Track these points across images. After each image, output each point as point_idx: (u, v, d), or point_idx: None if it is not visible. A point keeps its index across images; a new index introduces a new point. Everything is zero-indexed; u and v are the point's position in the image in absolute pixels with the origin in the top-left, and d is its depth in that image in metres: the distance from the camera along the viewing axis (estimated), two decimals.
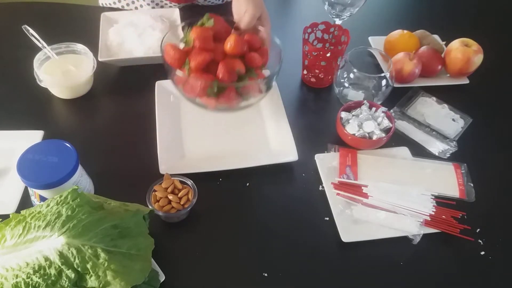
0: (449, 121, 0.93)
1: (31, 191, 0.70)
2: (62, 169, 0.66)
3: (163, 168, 0.78)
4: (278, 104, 0.91)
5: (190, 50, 0.77)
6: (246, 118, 0.91)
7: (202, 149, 0.85)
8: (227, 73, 0.75)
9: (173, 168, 0.78)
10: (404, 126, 0.91)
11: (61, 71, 0.91)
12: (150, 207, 0.70)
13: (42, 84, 0.90)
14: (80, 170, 0.70)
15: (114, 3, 1.17)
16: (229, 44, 0.76)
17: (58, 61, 0.92)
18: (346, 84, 0.91)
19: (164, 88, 0.92)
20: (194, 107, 0.84)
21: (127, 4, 1.16)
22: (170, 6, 1.15)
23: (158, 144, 0.82)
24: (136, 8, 1.16)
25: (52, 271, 0.56)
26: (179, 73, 0.77)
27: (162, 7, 1.16)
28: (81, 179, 0.70)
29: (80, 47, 0.93)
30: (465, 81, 1.01)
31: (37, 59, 0.90)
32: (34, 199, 0.70)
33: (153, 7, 1.15)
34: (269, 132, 0.88)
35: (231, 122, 0.90)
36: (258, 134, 0.88)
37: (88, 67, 0.90)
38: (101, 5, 1.21)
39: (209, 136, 0.87)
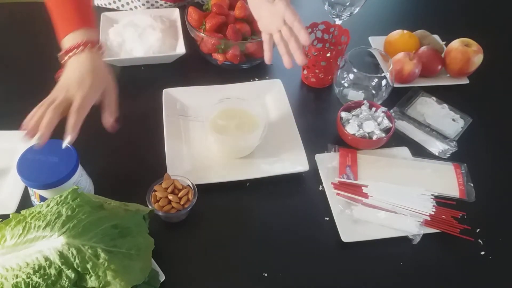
0: (449, 121, 0.92)
1: (31, 191, 0.70)
2: (62, 169, 0.66)
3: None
4: (287, 112, 0.89)
5: (208, 14, 0.97)
6: (256, 126, 0.85)
7: (210, 158, 0.82)
8: (233, 34, 0.95)
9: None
10: (404, 126, 0.91)
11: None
12: (150, 207, 0.70)
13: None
14: (80, 170, 0.70)
15: (110, 3, 1.16)
16: (236, 9, 0.97)
17: None
18: (346, 84, 0.91)
19: (171, 97, 0.90)
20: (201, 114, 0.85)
21: (122, 5, 1.16)
22: (166, 7, 1.14)
23: (167, 156, 0.80)
24: (131, 9, 1.15)
25: (52, 271, 0.56)
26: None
27: (157, 7, 1.15)
28: (81, 179, 0.70)
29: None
30: (465, 81, 1.01)
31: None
32: (34, 199, 0.70)
33: (148, 8, 1.14)
34: (280, 141, 0.86)
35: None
36: (268, 143, 0.84)
37: None
38: (96, 5, 1.20)
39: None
